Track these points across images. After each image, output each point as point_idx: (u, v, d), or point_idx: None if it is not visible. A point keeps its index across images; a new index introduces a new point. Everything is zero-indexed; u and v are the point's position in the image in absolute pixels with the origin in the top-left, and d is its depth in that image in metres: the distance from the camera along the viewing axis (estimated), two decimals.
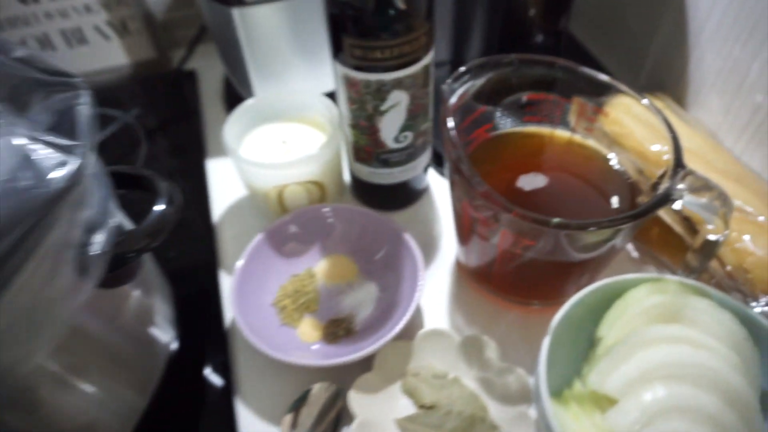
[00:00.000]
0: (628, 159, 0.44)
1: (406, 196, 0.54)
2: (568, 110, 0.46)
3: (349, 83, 0.43)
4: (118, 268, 0.33)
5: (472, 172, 0.35)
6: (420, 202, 0.56)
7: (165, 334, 0.43)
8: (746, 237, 0.43)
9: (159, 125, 0.66)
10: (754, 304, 0.41)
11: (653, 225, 0.48)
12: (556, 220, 0.33)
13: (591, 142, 0.46)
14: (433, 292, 0.49)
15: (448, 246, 0.53)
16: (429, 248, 0.52)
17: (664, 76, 0.60)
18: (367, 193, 0.54)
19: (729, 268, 0.43)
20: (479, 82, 0.42)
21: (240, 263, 0.46)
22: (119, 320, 0.38)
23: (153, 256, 0.45)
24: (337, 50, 0.42)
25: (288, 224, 0.49)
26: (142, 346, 0.41)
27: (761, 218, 0.44)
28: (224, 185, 0.58)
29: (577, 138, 0.46)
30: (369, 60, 0.40)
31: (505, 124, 0.48)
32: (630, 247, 0.51)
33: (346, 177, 0.56)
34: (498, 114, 0.47)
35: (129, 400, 0.39)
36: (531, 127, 0.47)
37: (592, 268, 0.43)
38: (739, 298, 0.42)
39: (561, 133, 0.47)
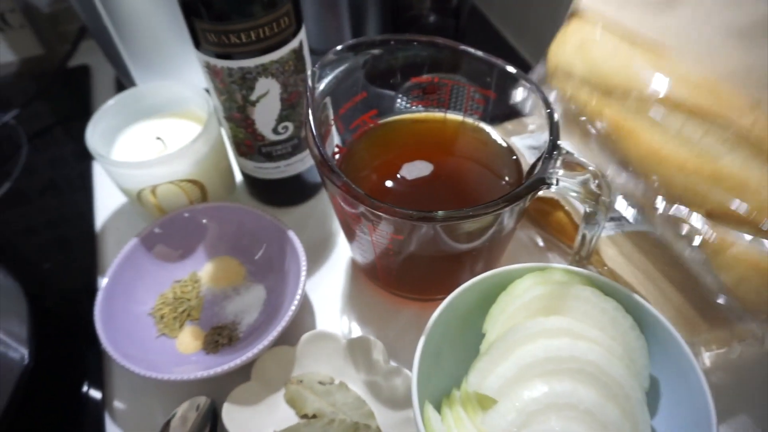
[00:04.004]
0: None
1: (299, 190, 0.51)
2: (458, 92, 0.43)
3: (213, 72, 0.39)
4: None
5: (331, 162, 0.33)
6: (318, 196, 0.52)
7: (14, 353, 0.39)
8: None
9: (46, 127, 0.62)
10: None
11: (553, 210, 0.46)
12: (411, 211, 0.30)
13: (483, 125, 0.44)
14: (328, 292, 0.46)
15: (345, 243, 0.49)
16: (325, 246, 0.49)
17: None
18: (258, 189, 0.51)
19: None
20: (355, 65, 0.39)
21: (108, 274, 0.42)
22: None
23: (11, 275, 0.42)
24: (195, 37, 0.38)
25: (155, 228, 0.45)
26: None
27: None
28: (113, 191, 0.54)
29: (470, 121, 0.44)
30: (226, 46, 0.37)
31: (395, 109, 0.45)
32: (535, 235, 0.49)
33: (238, 175, 0.53)
34: (385, 99, 0.44)
35: None
36: (421, 111, 0.45)
37: (484, 257, 0.40)
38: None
39: (453, 117, 0.44)
